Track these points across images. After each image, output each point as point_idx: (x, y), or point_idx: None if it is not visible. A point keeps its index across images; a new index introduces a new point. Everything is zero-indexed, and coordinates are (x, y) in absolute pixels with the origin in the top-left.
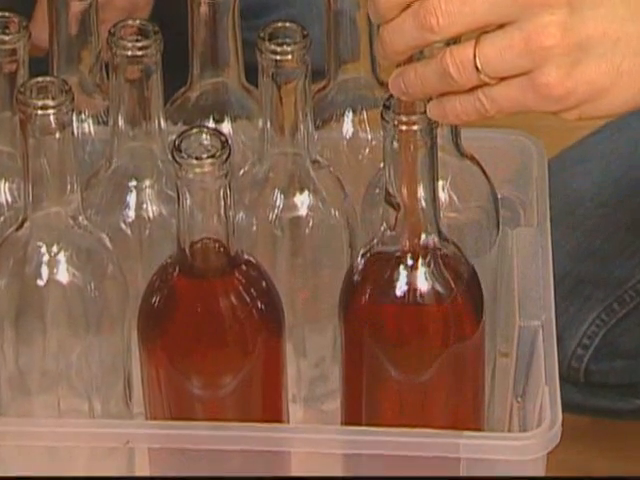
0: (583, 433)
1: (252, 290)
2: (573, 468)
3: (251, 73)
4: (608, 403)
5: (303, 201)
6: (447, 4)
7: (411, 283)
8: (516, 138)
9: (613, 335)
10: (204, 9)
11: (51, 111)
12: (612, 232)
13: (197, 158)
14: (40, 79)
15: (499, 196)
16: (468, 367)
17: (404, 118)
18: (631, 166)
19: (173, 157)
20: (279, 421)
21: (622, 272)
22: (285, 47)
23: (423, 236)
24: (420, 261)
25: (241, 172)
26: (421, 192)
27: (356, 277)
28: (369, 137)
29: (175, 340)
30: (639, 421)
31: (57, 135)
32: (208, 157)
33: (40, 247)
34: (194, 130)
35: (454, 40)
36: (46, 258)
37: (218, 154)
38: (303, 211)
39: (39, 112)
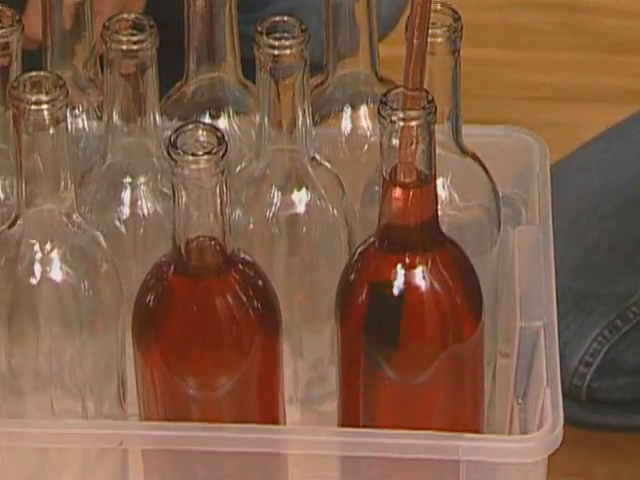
0: (584, 435)
1: (248, 290)
2: (574, 470)
3: (248, 67)
4: (611, 420)
5: (301, 199)
6: None
7: (409, 283)
8: (518, 135)
9: (616, 352)
10: (200, 2)
11: (45, 106)
12: (614, 245)
13: (193, 155)
14: (33, 74)
15: (500, 194)
16: (467, 368)
17: (402, 114)
18: (633, 177)
19: (169, 153)
20: (275, 423)
21: (625, 287)
22: (283, 42)
23: (422, 235)
24: (418, 260)
25: (238, 169)
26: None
27: (353, 276)
28: (368, 134)
29: (170, 340)
30: None
31: (51, 131)
32: (204, 154)
33: (33, 245)
34: (190, 126)
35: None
36: (39, 256)
37: (214, 151)
38: (301, 209)
39: (32, 107)
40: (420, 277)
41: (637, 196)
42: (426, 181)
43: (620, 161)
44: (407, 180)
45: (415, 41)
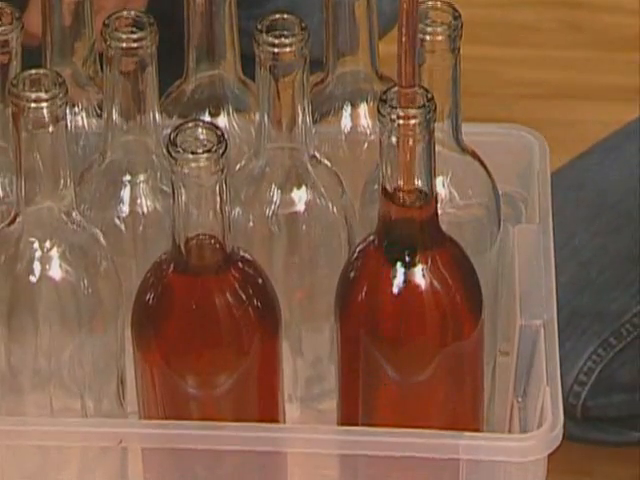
0: None
1: (248, 288)
2: (574, 469)
3: (249, 64)
4: (607, 437)
5: (301, 197)
6: None
7: (408, 281)
8: (518, 133)
9: (610, 370)
10: (200, 0)
11: (44, 104)
12: (608, 263)
13: (193, 153)
14: (33, 71)
15: (500, 192)
16: (467, 367)
17: (401, 112)
18: (626, 193)
19: (168, 152)
20: (275, 421)
21: (619, 305)
22: (283, 40)
23: (421, 233)
24: (418, 258)
25: (237, 167)
26: (419, 188)
27: (352, 274)
28: (368, 132)
29: (169, 338)
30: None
31: (50, 129)
32: (204, 152)
33: (32, 243)
34: (190, 124)
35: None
36: (38, 254)
37: (214, 149)
38: (300, 207)
39: (32, 105)
40: (420, 276)
41: (631, 213)
42: (426, 200)
43: (614, 177)
44: (408, 201)
45: (404, 39)
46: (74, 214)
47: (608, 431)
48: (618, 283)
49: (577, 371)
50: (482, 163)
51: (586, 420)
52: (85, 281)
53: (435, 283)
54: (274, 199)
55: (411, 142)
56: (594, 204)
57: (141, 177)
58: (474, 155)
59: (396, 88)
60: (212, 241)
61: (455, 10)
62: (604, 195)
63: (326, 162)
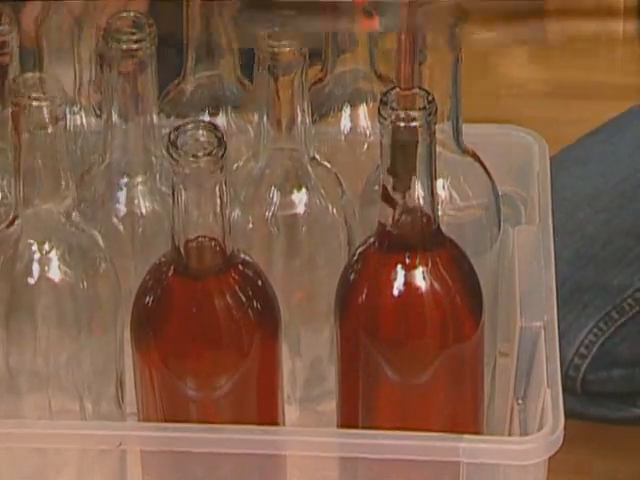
0: (583, 433)
1: (248, 289)
2: (572, 468)
3: (251, 59)
4: (606, 412)
5: (300, 198)
6: None
7: (409, 282)
8: (517, 134)
9: (611, 344)
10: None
11: (44, 104)
12: (611, 238)
13: (193, 155)
14: (33, 73)
15: (500, 193)
16: (467, 368)
17: (402, 114)
18: (631, 171)
19: (169, 153)
20: (275, 423)
21: (621, 279)
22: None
23: (421, 234)
24: (418, 260)
25: (235, 167)
26: (419, 189)
27: (352, 276)
28: (367, 132)
29: (169, 340)
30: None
31: (50, 129)
32: (204, 154)
33: (31, 245)
34: (190, 125)
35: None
36: (37, 256)
37: (214, 150)
38: (300, 208)
39: (33, 105)
40: (420, 277)
41: (634, 190)
42: (426, 202)
43: (618, 155)
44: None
45: (402, 38)
46: (73, 215)
47: (608, 407)
48: (621, 258)
49: (578, 344)
50: (482, 164)
51: (586, 394)
52: (84, 283)
53: (435, 284)
54: (274, 200)
55: (411, 144)
56: (599, 180)
57: (140, 178)
58: (474, 156)
59: (396, 90)
60: (212, 243)
61: None
62: (609, 171)
63: (326, 163)
